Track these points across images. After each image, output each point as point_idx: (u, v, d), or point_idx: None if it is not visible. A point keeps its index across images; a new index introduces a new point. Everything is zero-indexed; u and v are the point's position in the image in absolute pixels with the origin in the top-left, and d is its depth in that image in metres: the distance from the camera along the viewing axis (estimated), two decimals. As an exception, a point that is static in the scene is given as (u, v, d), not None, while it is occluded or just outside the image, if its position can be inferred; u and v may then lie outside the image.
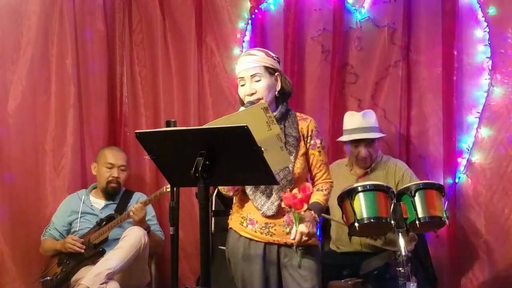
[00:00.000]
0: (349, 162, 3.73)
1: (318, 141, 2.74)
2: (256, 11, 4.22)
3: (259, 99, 2.63)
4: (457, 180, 3.81)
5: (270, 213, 2.67)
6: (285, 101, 2.74)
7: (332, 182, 2.80)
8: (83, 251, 3.70)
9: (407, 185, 3.11)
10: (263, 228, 2.69)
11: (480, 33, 3.80)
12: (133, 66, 4.45)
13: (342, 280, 3.39)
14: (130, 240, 3.53)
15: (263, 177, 2.29)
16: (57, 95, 4.18)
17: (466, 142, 3.82)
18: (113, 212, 3.83)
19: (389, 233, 3.08)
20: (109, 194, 3.94)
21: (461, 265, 3.82)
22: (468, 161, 3.81)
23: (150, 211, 3.92)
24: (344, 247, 3.66)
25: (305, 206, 2.54)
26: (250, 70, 2.65)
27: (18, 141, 4.09)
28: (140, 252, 3.54)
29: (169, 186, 3.41)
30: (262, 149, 2.15)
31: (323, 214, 3.24)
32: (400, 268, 2.91)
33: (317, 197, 2.71)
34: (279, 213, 2.68)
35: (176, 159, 2.25)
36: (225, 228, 2.87)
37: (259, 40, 4.18)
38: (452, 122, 3.81)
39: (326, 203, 2.77)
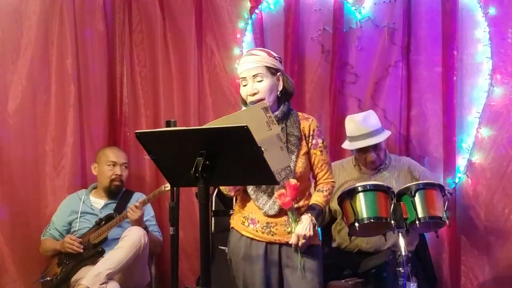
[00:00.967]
0: (356, 162, 3.67)
1: (320, 141, 2.74)
2: (256, 11, 4.21)
3: (261, 99, 2.62)
4: (457, 180, 3.81)
5: (272, 212, 2.67)
6: (287, 101, 2.74)
7: (333, 182, 2.79)
8: (81, 251, 3.70)
9: (407, 185, 3.12)
10: (264, 227, 2.69)
11: (480, 33, 3.80)
12: (133, 66, 4.45)
13: (342, 280, 3.39)
14: (130, 240, 3.53)
15: (263, 177, 2.29)
16: (57, 95, 4.18)
17: (466, 142, 3.82)
18: (113, 212, 3.83)
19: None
20: (112, 192, 3.94)
21: (461, 265, 3.82)
22: (468, 161, 3.81)
23: (149, 211, 3.92)
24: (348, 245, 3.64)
25: (294, 204, 2.60)
26: (252, 70, 2.65)
27: (18, 141, 4.09)
28: (140, 252, 3.54)
29: (168, 185, 3.42)
30: (262, 149, 2.15)
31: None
32: (400, 268, 2.91)
33: (316, 198, 2.72)
34: (281, 212, 2.68)
35: (176, 159, 2.25)
36: (226, 228, 2.87)
37: (259, 40, 4.18)
38: (452, 122, 3.80)
39: (326, 204, 2.76)
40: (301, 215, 2.67)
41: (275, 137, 2.40)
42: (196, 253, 4.04)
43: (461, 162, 3.82)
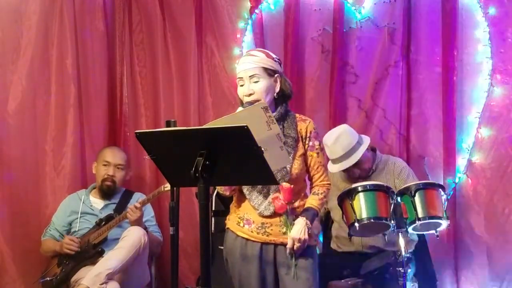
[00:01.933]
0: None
1: (316, 143, 2.74)
2: (256, 11, 4.21)
3: (256, 100, 2.62)
4: (457, 180, 3.81)
5: (267, 213, 2.67)
6: (284, 103, 2.74)
7: (329, 184, 2.78)
8: (78, 249, 3.70)
9: (407, 185, 3.12)
10: (259, 228, 2.69)
11: (480, 33, 3.80)
12: (133, 66, 4.45)
13: (342, 280, 3.39)
14: (130, 240, 3.53)
15: (263, 177, 2.28)
16: (57, 95, 4.18)
17: (466, 142, 3.82)
18: (113, 212, 3.83)
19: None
20: (104, 192, 3.93)
21: (461, 265, 3.82)
22: (468, 161, 3.81)
23: (149, 212, 3.92)
24: (344, 247, 3.65)
25: (289, 208, 2.63)
26: (249, 70, 2.66)
27: (18, 141, 4.09)
28: (140, 252, 3.54)
29: (167, 185, 3.42)
30: (262, 149, 2.15)
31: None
32: (400, 268, 2.91)
33: (311, 201, 2.72)
34: (276, 213, 2.68)
35: (176, 159, 2.25)
36: (225, 228, 2.87)
37: (259, 40, 4.18)
38: (452, 122, 3.81)
39: (321, 207, 2.76)
40: (296, 216, 2.67)
41: (275, 136, 2.40)
42: (196, 253, 4.04)
43: (461, 162, 3.82)
